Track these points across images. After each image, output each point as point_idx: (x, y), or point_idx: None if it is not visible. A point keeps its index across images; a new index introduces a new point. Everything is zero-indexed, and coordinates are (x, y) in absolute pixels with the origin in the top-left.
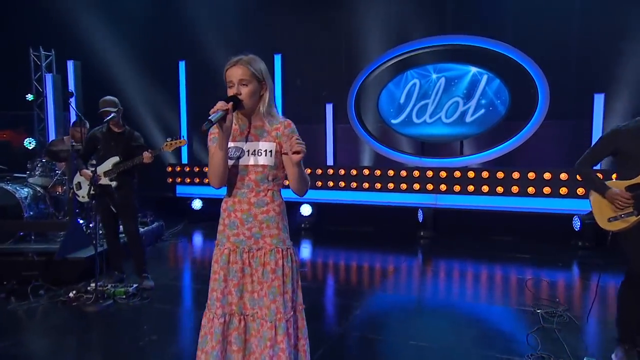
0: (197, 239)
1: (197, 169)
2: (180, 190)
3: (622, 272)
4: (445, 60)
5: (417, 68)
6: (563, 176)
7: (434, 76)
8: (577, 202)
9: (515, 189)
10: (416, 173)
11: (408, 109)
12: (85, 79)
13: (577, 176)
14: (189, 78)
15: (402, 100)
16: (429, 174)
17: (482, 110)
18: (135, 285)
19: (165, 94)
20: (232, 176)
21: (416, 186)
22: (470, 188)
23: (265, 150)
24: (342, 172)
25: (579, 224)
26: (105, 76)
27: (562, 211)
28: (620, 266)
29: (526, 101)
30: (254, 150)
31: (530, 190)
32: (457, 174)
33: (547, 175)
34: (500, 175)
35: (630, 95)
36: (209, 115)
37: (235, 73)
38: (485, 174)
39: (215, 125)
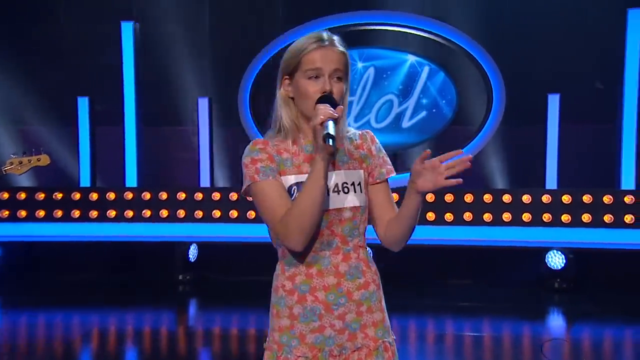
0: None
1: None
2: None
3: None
4: (375, 45)
5: None
6: (526, 198)
7: (360, 65)
8: (553, 231)
9: (468, 215)
10: None
11: None
12: None
13: None
14: None
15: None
16: None
17: (423, 113)
18: None
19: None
20: None
21: None
22: (430, 215)
23: (354, 184)
24: (234, 196)
25: (562, 259)
26: None
27: (532, 244)
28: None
29: (478, 101)
30: (336, 185)
31: (487, 217)
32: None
33: (506, 198)
34: (449, 198)
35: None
36: (326, 129)
37: (329, 58)
38: (429, 197)
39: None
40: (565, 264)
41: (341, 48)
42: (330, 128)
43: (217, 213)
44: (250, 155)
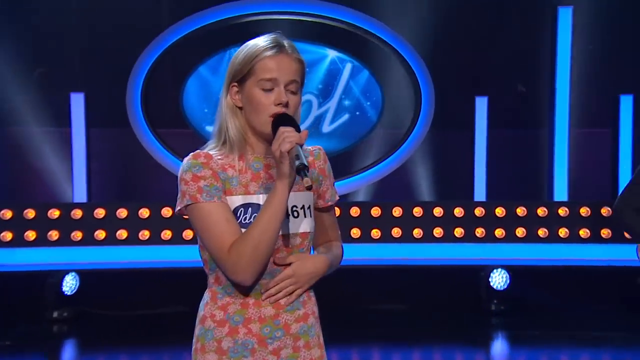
0: None
1: None
2: None
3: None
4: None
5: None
6: (458, 211)
7: None
8: (490, 248)
9: (396, 231)
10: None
11: None
12: None
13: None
14: None
15: None
16: None
17: (346, 116)
18: None
19: None
20: None
21: None
22: (355, 232)
23: (304, 207)
24: (123, 213)
25: (504, 278)
26: None
27: (465, 262)
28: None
29: (405, 103)
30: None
31: (417, 233)
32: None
33: (437, 211)
34: (375, 212)
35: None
36: (299, 159)
37: (285, 67)
38: (354, 211)
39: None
40: (507, 283)
41: (299, 56)
42: (302, 157)
43: (101, 234)
44: (191, 170)
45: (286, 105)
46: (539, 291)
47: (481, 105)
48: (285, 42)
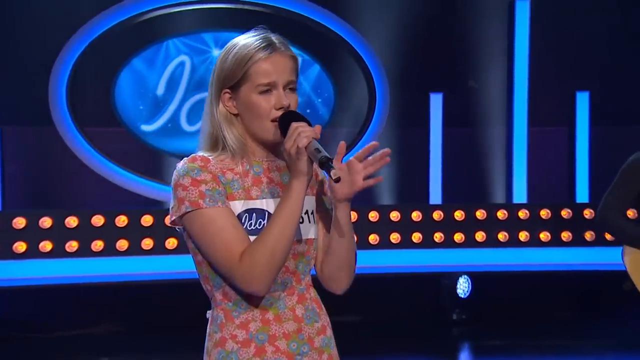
0: None
1: None
2: None
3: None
4: (234, 28)
5: (186, 36)
6: (415, 215)
7: (217, 53)
8: (449, 253)
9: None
10: None
11: (172, 107)
12: None
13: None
14: None
15: (160, 91)
16: None
17: None
18: None
19: None
20: None
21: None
22: None
23: (307, 212)
24: (47, 222)
25: (467, 286)
26: None
27: (424, 269)
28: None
29: (359, 100)
30: None
31: (373, 239)
32: None
33: (394, 215)
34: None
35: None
36: (320, 151)
37: (281, 67)
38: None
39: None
40: (469, 290)
41: (291, 52)
42: (323, 150)
43: (21, 246)
44: (189, 174)
45: (288, 107)
46: (500, 298)
47: (436, 102)
48: (276, 39)
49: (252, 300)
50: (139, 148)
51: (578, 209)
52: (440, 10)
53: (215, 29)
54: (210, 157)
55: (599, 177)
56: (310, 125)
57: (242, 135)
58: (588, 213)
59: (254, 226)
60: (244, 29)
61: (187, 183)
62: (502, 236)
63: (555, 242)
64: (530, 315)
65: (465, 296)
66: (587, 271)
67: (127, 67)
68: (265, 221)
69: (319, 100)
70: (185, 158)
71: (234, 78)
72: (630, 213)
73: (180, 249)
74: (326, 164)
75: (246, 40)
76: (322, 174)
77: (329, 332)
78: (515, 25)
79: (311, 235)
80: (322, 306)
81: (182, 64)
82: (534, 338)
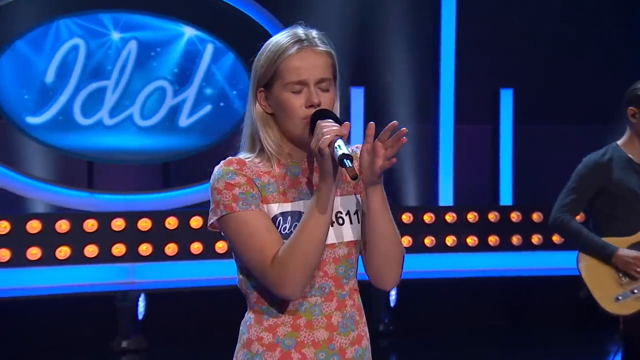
0: None
1: None
2: None
3: None
4: (135, 9)
5: (80, 16)
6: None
7: (116, 36)
8: None
9: None
10: (90, 223)
11: (64, 98)
12: None
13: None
14: None
15: (49, 79)
16: (117, 223)
17: (208, 107)
18: None
19: None
20: None
21: (91, 250)
22: (196, 247)
23: (349, 213)
24: None
25: (394, 294)
26: None
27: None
28: None
29: None
30: None
31: None
32: (172, 222)
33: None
34: None
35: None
36: (338, 149)
37: (312, 64)
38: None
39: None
40: (395, 299)
41: (325, 47)
42: (343, 147)
43: None
44: (223, 178)
45: (318, 105)
46: (427, 306)
47: (357, 96)
48: (310, 34)
49: (286, 305)
50: (23, 141)
51: (505, 211)
52: (365, 3)
53: (114, 9)
54: (247, 160)
55: (523, 177)
56: (339, 123)
57: (278, 135)
58: (515, 216)
59: (289, 229)
60: (145, 10)
61: (221, 187)
62: (428, 241)
63: (483, 247)
64: (458, 325)
65: (393, 306)
66: (515, 277)
67: (9, 50)
68: (292, 225)
69: (234, 92)
70: (222, 161)
71: (266, 76)
72: (578, 217)
73: (99, 258)
74: (342, 162)
75: (280, 36)
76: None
77: (365, 343)
78: (441, 21)
79: (352, 237)
80: (364, 315)
81: (75, 48)
82: (459, 349)
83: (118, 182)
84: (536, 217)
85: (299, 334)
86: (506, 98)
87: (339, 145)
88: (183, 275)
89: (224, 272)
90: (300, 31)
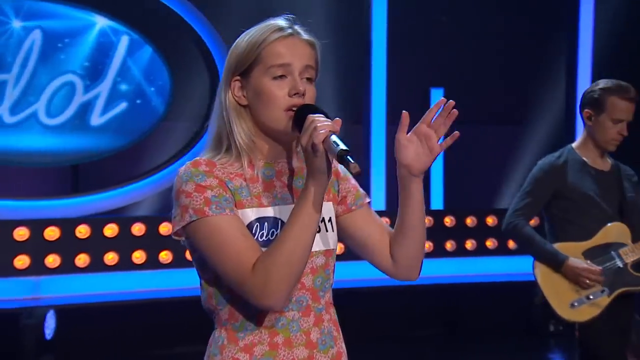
0: None
1: None
2: None
3: None
4: None
5: None
6: None
7: (18, 24)
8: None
9: None
10: None
11: None
12: None
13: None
14: None
15: None
16: (20, 233)
17: (123, 104)
18: None
19: None
20: None
21: None
22: (110, 258)
23: (323, 220)
24: None
25: None
26: None
27: None
28: None
29: (199, 89)
30: None
31: None
32: (83, 230)
33: None
34: (164, 229)
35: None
36: (337, 145)
37: (298, 51)
38: (138, 229)
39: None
40: None
41: (310, 37)
42: (341, 143)
43: None
44: (193, 180)
45: (303, 95)
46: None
47: None
48: (285, 23)
49: (262, 321)
50: None
51: (438, 215)
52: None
53: None
54: (215, 161)
55: (453, 179)
56: (329, 119)
57: (252, 129)
58: (449, 221)
59: (265, 237)
60: None
61: (191, 189)
62: None
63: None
64: (393, 336)
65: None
66: (447, 284)
67: None
68: (279, 231)
69: (152, 89)
70: (188, 162)
71: (245, 63)
72: (532, 221)
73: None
74: (345, 158)
75: (262, 24)
76: (341, 169)
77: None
78: (372, 19)
79: (331, 246)
80: (340, 329)
81: None
82: None
83: (21, 187)
84: (470, 221)
85: (277, 353)
86: (437, 97)
87: (335, 142)
88: (96, 288)
89: (140, 284)
90: (283, 22)
